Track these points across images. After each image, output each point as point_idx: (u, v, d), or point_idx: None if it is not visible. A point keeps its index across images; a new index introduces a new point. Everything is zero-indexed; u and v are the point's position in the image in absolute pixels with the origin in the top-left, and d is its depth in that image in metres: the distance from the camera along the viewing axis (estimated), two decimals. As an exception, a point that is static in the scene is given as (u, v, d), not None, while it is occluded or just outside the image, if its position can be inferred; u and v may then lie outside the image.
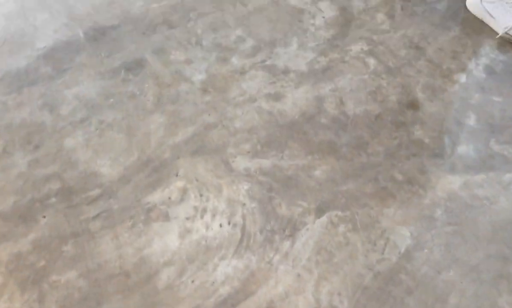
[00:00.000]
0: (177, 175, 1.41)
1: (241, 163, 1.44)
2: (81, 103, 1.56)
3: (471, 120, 1.54)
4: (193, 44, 1.75)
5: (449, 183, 1.39)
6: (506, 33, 1.72)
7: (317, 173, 1.42)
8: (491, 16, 1.76)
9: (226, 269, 1.23)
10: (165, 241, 1.27)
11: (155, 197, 1.36)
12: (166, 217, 1.32)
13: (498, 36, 1.74)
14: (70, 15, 1.82)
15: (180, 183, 1.39)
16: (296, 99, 1.60)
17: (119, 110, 1.55)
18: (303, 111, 1.56)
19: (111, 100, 1.58)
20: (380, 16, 1.85)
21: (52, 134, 1.49)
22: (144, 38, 1.76)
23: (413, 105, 1.57)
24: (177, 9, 1.86)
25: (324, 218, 1.32)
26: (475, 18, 1.83)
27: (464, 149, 1.47)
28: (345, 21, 1.84)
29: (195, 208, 1.34)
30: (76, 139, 1.48)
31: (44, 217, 1.31)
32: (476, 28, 1.80)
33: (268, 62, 1.70)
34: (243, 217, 1.32)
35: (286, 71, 1.68)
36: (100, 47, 1.72)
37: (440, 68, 1.68)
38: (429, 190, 1.38)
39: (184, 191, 1.37)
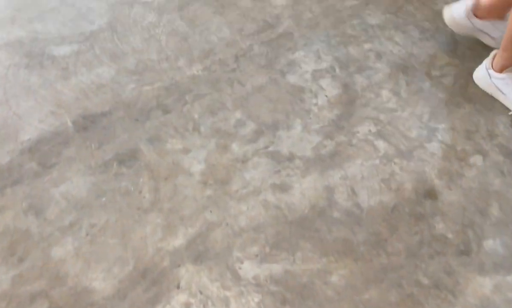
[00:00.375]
0: (178, 287, 1.26)
1: (249, 269, 1.30)
2: (70, 204, 1.42)
3: (495, 210, 1.43)
4: (190, 130, 1.63)
5: (479, 286, 1.27)
6: (519, 109, 1.64)
7: (334, 279, 1.28)
8: (501, 92, 1.69)
9: None
10: None
11: (155, 316, 1.21)
12: (169, 342, 1.17)
13: (511, 113, 1.65)
14: (57, 102, 1.70)
15: (182, 297, 1.25)
16: (304, 190, 1.48)
17: (112, 210, 1.42)
18: (313, 204, 1.44)
19: (103, 199, 1.44)
20: (385, 93, 1.76)
21: (38, 242, 1.34)
22: (138, 125, 1.64)
23: (431, 194, 1.46)
24: (171, 91, 1.75)
25: (346, 336, 1.18)
26: (484, 93, 1.75)
27: (491, 244, 1.35)
28: (349, 100, 1.74)
29: (201, 328, 1.19)
30: (64, 248, 1.33)
31: (29, 347, 1.16)
32: (487, 103, 1.72)
33: (271, 148, 1.59)
34: (256, 338, 1.18)
35: (291, 158, 1.56)
36: (90, 137, 1.59)
37: (454, 150, 1.58)
38: (459, 296, 1.25)
39: (187, 307, 1.23)
